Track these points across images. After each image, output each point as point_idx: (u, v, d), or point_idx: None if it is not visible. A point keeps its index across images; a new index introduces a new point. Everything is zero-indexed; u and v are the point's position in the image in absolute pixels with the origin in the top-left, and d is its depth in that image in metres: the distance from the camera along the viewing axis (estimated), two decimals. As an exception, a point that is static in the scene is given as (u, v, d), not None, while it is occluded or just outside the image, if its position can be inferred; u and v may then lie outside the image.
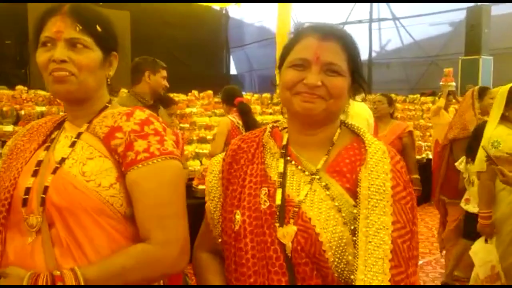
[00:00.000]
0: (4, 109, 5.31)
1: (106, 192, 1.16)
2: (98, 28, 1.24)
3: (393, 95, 9.79)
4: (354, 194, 1.14)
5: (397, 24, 14.83)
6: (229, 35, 16.59)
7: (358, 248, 1.09)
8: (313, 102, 1.16)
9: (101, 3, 11.78)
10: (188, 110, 6.81)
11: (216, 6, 15.58)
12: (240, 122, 4.20)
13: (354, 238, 1.10)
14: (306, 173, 1.20)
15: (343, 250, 1.10)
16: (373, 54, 14.95)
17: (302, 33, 1.22)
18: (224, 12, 16.17)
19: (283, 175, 1.21)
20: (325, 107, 1.17)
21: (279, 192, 1.18)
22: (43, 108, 5.61)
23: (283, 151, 1.25)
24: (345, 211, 1.12)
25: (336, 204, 1.13)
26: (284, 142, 1.27)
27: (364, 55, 14.09)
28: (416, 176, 4.30)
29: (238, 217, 1.20)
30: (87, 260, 1.12)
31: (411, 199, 1.17)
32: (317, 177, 1.18)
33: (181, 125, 6.17)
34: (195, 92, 7.69)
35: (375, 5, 14.73)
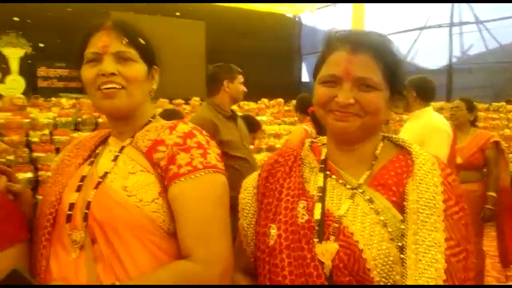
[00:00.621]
0: (84, 117, 5.62)
1: (148, 207, 1.13)
2: (141, 40, 1.23)
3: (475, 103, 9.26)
4: (401, 209, 1.05)
5: (481, 27, 13.97)
6: (301, 42, 16.51)
7: (406, 267, 0.99)
8: (346, 120, 1.10)
9: (177, 13, 12.31)
10: (258, 118, 6.83)
11: (289, 13, 15.59)
12: (314, 131, 4.13)
13: (402, 256, 1.01)
14: (348, 186, 1.13)
15: (390, 269, 1.01)
16: (454, 60, 14.18)
17: (333, 45, 1.15)
18: (297, 19, 16.14)
19: (322, 189, 1.14)
20: (360, 124, 1.10)
21: (318, 206, 1.12)
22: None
23: (322, 165, 1.20)
24: (391, 226, 1.04)
25: (382, 218, 1.05)
26: (323, 157, 1.22)
27: (444, 61, 13.44)
28: (493, 194, 3.97)
29: (273, 231, 1.14)
30: (128, 277, 1.10)
31: (465, 215, 1.06)
32: (360, 190, 1.10)
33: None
34: (265, 100, 7.71)
35: (456, 8, 13.99)
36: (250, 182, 1.31)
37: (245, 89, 3.62)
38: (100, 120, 5.73)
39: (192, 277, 1.10)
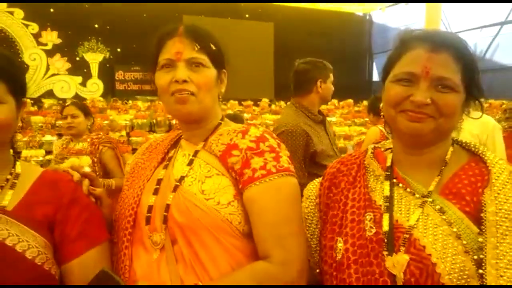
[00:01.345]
0: (159, 119, 5.85)
1: (225, 210, 1.16)
2: (212, 46, 1.25)
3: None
4: (477, 220, 0.99)
5: None
6: (372, 40, 16.15)
7: (486, 282, 0.93)
8: (421, 121, 1.04)
9: (247, 15, 12.48)
10: (328, 119, 6.75)
11: (359, 12, 15.29)
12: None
13: (481, 271, 0.95)
14: (417, 195, 1.07)
15: (466, 283, 0.95)
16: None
17: (410, 43, 1.09)
18: (367, 17, 15.80)
19: (389, 198, 1.09)
20: (435, 127, 1.04)
21: (386, 217, 1.07)
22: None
23: (388, 173, 1.14)
24: (466, 238, 0.98)
25: (455, 230, 0.99)
26: (389, 164, 1.16)
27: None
28: None
29: (340, 245, 1.11)
30: (209, 276, 1.13)
31: None
32: (430, 199, 1.04)
33: (319, 134, 6.13)
34: (334, 101, 7.63)
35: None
36: (311, 191, 1.30)
37: (332, 88, 3.15)
38: (173, 121, 5.93)
39: (272, 278, 1.11)
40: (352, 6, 14.41)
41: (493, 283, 0.93)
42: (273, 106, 7.01)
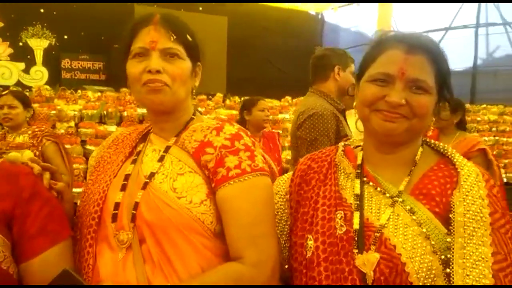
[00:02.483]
0: (110, 110, 5.67)
1: (197, 209, 1.13)
2: (189, 37, 1.22)
3: (501, 106, 9.10)
4: (445, 221, 1.03)
5: (507, 29, 13.70)
6: (324, 40, 16.43)
7: (453, 281, 0.97)
8: (394, 121, 1.07)
9: (200, 8, 12.33)
10: (281, 116, 6.83)
11: (312, 11, 15.51)
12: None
13: (448, 270, 0.99)
14: (387, 195, 1.10)
15: (432, 283, 0.99)
16: (479, 62, 13.96)
17: (386, 44, 1.12)
18: (320, 17, 16.05)
19: (360, 197, 1.11)
20: (407, 127, 1.07)
21: (356, 215, 1.09)
22: (144, 111, 5.91)
23: (359, 171, 1.16)
24: (434, 238, 1.01)
25: (424, 230, 1.02)
26: (359, 162, 1.18)
27: (469, 63, 13.22)
28: None
29: (310, 242, 1.12)
30: (178, 277, 1.10)
31: (511, 228, 1.04)
32: (400, 199, 1.07)
33: (273, 131, 6.17)
34: (288, 98, 7.68)
35: (482, 9, 13.75)
36: (281, 186, 1.29)
37: (354, 81, 3.11)
38: (125, 113, 5.79)
39: (244, 279, 1.10)
40: (305, 4, 14.58)
41: (459, 282, 0.96)
42: (227, 101, 6.97)
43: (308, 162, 1.28)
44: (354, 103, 1.20)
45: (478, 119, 8.40)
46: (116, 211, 1.17)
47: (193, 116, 1.30)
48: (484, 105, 9.46)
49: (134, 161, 1.26)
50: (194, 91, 1.31)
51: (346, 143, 1.28)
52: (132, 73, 1.20)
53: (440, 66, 1.11)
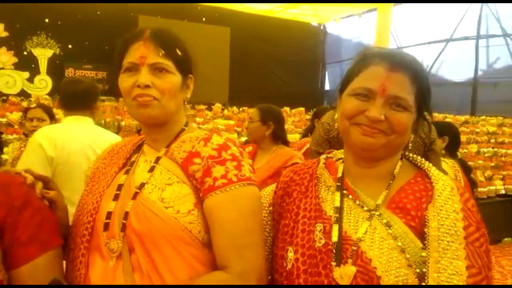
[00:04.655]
0: (107, 119, 5.70)
1: (185, 218, 1.15)
2: (178, 52, 1.25)
3: (500, 118, 9.10)
4: (420, 235, 1.05)
5: (508, 40, 13.73)
6: (325, 51, 16.49)
7: None
8: (373, 136, 1.09)
9: (204, 19, 12.43)
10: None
11: (314, 22, 15.59)
12: None
13: (424, 283, 1.00)
14: (365, 208, 1.12)
15: None
16: (479, 73, 13.97)
17: (370, 59, 1.13)
18: (322, 28, 16.14)
19: (339, 210, 1.13)
20: (385, 143, 1.10)
21: (335, 228, 1.11)
22: (143, 121, 5.93)
23: (339, 184, 1.18)
24: (409, 252, 1.03)
25: (399, 244, 1.04)
26: (339, 174, 1.20)
27: (469, 74, 13.23)
28: None
29: (290, 254, 1.14)
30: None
31: (485, 241, 1.05)
32: (377, 213, 1.09)
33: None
34: (286, 109, 7.73)
35: (483, 20, 13.78)
36: (265, 198, 1.31)
37: None
38: (123, 123, 5.82)
39: None
40: (307, 16, 14.67)
41: None
42: (225, 111, 7.01)
43: (291, 174, 1.30)
44: (335, 115, 1.21)
45: (477, 130, 8.41)
46: (108, 220, 1.19)
47: (184, 127, 1.31)
48: (484, 117, 9.45)
49: (127, 172, 1.29)
50: (185, 102, 1.33)
51: (328, 155, 1.30)
52: (123, 88, 1.24)
53: (421, 85, 1.13)
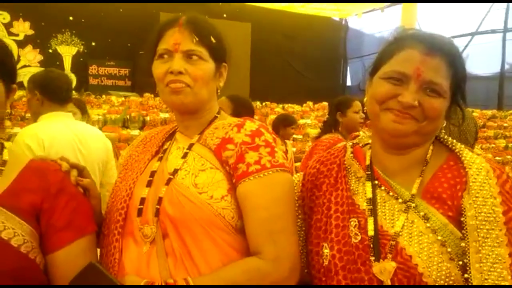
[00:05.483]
0: (133, 114, 5.78)
1: (218, 204, 1.15)
2: (213, 39, 1.24)
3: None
4: (458, 224, 1.00)
5: (536, 33, 13.41)
6: (347, 46, 16.37)
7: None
8: (404, 123, 1.04)
9: (224, 15, 12.46)
10: (302, 121, 6.84)
11: (336, 17, 15.48)
12: None
13: (466, 275, 0.97)
14: (400, 200, 1.07)
15: None
16: (506, 67, 13.68)
17: (404, 41, 1.08)
18: (343, 23, 16.01)
19: (373, 202, 1.09)
20: (417, 129, 1.05)
21: (370, 222, 1.07)
22: (166, 115, 6.01)
23: (369, 172, 1.14)
24: (450, 244, 0.99)
25: (439, 237, 1.00)
26: (368, 162, 1.15)
27: (496, 68, 12.98)
28: None
29: (326, 251, 1.11)
30: (198, 271, 1.12)
31: None
32: (413, 205, 1.05)
33: (294, 136, 6.18)
34: (309, 103, 7.70)
35: (510, 13, 13.48)
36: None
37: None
38: (147, 118, 5.89)
39: (262, 275, 1.10)
40: (328, 10, 14.56)
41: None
42: (249, 106, 7.01)
43: (317, 165, 1.26)
44: (365, 98, 1.16)
45: (505, 125, 8.23)
46: (142, 206, 1.20)
47: (217, 115, 1.31)
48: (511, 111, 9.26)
49: (160, 159, 1.29)
50: (219, 91, 1.32)
51: (354, 141, 1.25)
52: (156, 74, 1.24)
53: (457, 70, 1.08)
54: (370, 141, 1.20)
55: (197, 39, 1.22)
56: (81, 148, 2.56)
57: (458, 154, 1.10)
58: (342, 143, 1.28)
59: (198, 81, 1.21)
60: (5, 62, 1.13)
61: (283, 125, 5.07)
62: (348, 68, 17.02)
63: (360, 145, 1.23)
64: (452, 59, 1.06)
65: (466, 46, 13.24)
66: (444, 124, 1.12)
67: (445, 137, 1.15)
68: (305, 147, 6.08)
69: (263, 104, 7.47)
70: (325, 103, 7.74)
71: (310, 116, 7.22)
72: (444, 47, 1.06)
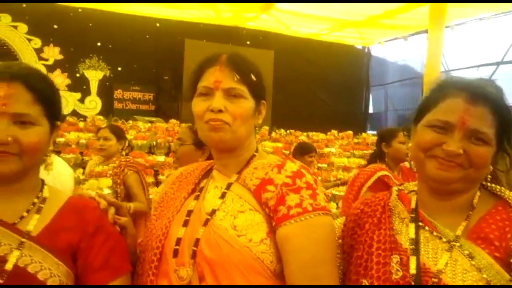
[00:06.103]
0: (159, 141, 5.82)
1: (257, 248, 1.13)
2: (253, 77, 1.25)
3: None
4: (507, 265, 0.98)
5: None
6: (370, 73, 16.34)
7: None
8: (449, 171, 1.05)
9: (248, 42, 12.60)
10: (326, 150, 6.80)
11: (359, 45, 15.52)
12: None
13: None
14: (443, 239, 1.06)
15: None
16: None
17: (448, 90, 1.10)
18: (366, 51, 16.03)
19: (415, 241, 1.09)
20: (462, 176, 1.05)
21: (413, 260, 1.06)
22: (191, 143, 6.00)
23: (413, 215, 1.13)
24: (496, 284, 0.97)
25: (485, 276, 0.98)
26: (413, 206, 1.16)
27: (523, 99, 12.78)
28: None
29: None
30: None
31: None
32: (458, 244, 1.04)
33: (319, 164, 6.14)
34: (334, 132, 7.67)
35: (538, 42, 13.30)
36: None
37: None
38: (172, 144, 5.91)
39: None
40: (351, 39, 14.62)
41: None
42: (273, 134, 7.02)
43: (361, 206, 1.27)
44: (409, 145, 1.19)
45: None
46: (178, 247, 1.19)
47: (255, 153, 1.30)
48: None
49: (196, 197, 1.28)
50: (257, 128, 1.33)
51: (400, 187, 1.27)
52: (196, 111, 1.24)
53: (502, 117, 1.08)
54: (415, 188, 1.21)
55: (238, 77, 1.22)
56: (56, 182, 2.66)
57: (507, 199, 1.10)
58: (385, 192, 1.29)
59: (237, 119, 1.21)
60: (53, 102, 1.14)
61: (300, 153, 5.12)
62: (371, 96, 16.99)
63: (406, 191, 1.24)
64: (496, 107, 1.06)
65: (492, 75, 13.10)
66: (491, 170, 1.12)
67: (493, 185, 1.15)
68: (329, 177, 6.02)
69: (287, 132, 7.46)
70: (350, 132, 7.70)
71: (335, 144, 7.17)
72: (487, 95, 1.06)
